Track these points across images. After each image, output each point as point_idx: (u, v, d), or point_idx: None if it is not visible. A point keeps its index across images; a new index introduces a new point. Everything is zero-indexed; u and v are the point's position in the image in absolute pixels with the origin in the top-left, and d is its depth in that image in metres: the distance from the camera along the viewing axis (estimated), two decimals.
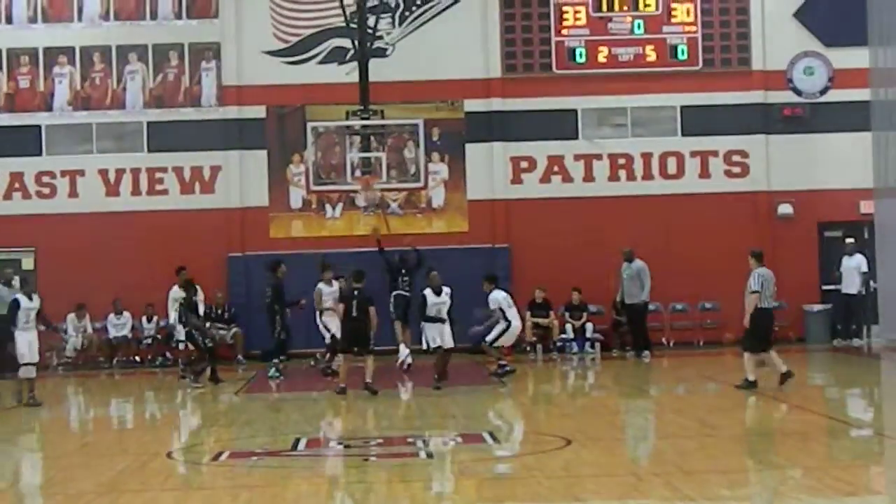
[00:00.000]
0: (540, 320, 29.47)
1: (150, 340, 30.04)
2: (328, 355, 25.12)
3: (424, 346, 22.86)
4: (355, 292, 22.42)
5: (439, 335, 22.32)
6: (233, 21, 31.06)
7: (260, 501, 12.64)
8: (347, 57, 30.55)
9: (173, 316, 26.13)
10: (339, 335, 23.60)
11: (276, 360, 25.12)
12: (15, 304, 21.83)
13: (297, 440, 16.46)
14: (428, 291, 22.63)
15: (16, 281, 28.15)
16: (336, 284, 25.17)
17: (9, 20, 31.03)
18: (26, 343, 21.62)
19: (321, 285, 25.36)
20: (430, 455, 14.94)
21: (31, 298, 22.01)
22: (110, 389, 24.94)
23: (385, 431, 16.86)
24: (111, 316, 29.63)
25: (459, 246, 30.18)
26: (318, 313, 25.38)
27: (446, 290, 22.64)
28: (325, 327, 25.16)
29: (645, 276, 28.09)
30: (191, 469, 14.74)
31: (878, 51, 28.40)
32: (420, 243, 29.56)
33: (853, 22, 29.34)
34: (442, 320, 22.47)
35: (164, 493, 13.24)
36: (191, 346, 24.84)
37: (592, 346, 30.01)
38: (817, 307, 30.70)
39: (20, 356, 21.53)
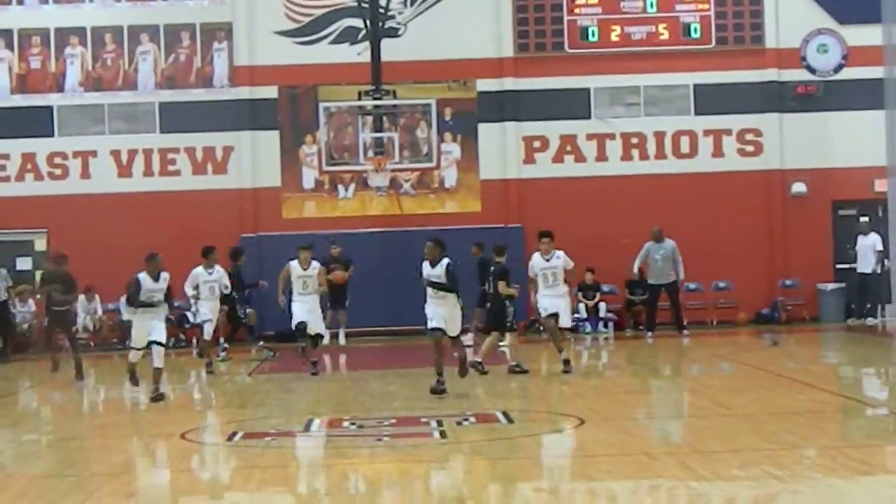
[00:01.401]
0: None
1: None
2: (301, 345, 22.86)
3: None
4: (492, 267, 21.70)
5: (434, 315, 18.61)
6: (244, 1, 31.05)
7: (273, 482, 12.67)
8: (359, 37, 30.55)
9: (192, 295, 24.05)
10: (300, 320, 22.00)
11: (261, 343, 25.44)
12: (135, 284, 19.14)
13: (310, 420, 16.49)
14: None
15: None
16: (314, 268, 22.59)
17: (20, 1, 31.04)
18: (143, 328, 19.25)
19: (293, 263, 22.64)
20: (443, 435, 14.95)
21: (156, 279, 19.17)
22: (123, 371, 24.91)
23: (398, 412, 16.87)
24: (123, 297, 29.59)
25: (472, 226, 30.20)
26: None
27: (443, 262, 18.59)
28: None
29: (678, 254, 27.90)
30: (205, 450, 14.77)
31: (893, 28, 28.33)
32: (433, 223, 29.66)
33: None
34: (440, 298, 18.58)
35: (178, 474, 13.28)
36: (206, 329, 23.80)
37: (606, 326, 30.05)
38: (831, 286, 30.71)
39: (134, 340, 19.54)
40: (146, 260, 19.12)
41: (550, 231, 21.42)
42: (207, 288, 23.68)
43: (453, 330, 18.59)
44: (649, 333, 28.06)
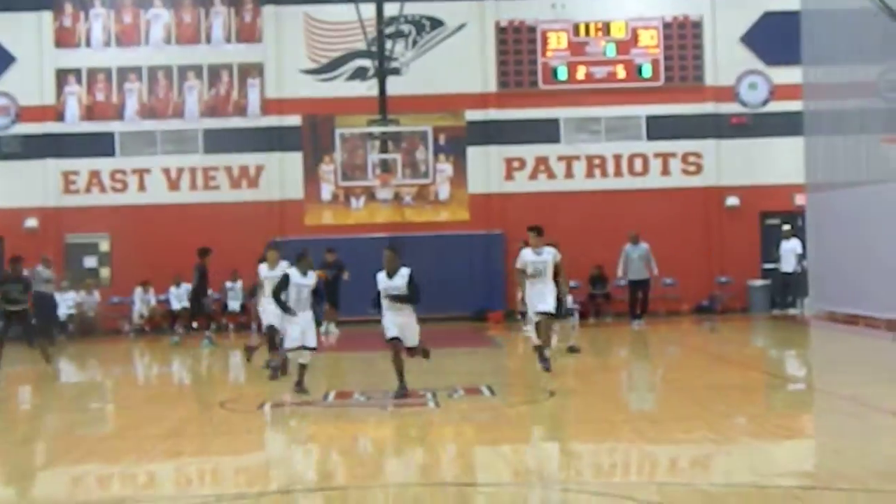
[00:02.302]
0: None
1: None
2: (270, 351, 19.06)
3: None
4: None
5: (390, 325, 15.72)
6: (274, 45, 31.05)
7: (296, 443, 12.69)
8: (369, 75, 30.55)
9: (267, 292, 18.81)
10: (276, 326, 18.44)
11: (207, 333, 25.03)
12: (284, 279, 16.55)
13: (327, 393, 16.49)
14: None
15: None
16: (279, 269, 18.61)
17: (88, 44, 31.04)
18: (298, 328, 16.38)
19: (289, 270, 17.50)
20: (437, 405, 14.97)
21: (305, 274, 16.54)
22: (171, 351, 24.95)
23: None
24: (172, 289, 29.60)
25: (461, 232, 30.24)
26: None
27: (403, 271, 15.67)
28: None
29: (650, 255, 27.63)
30: (239, 416, 14.79)
31: (810, 69, 28.33)
32: (428, 230, 29.72)
33: (790, 45, 29.23)
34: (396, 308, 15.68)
35: (218, 438, 13.30)
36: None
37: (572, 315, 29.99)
38: (759, 282, 30.74)
39: (290, 339, 16.52)
40: (298, 258, 16.78)
41: (539, 226, 17.87)
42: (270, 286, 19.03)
43: (411, 340, 15.81)
44: (635, 322, 27.47)
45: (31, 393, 19.07)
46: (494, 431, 13.07)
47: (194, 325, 26.20)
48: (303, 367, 16.44)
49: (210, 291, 26.03)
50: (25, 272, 22.57)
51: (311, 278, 16.64)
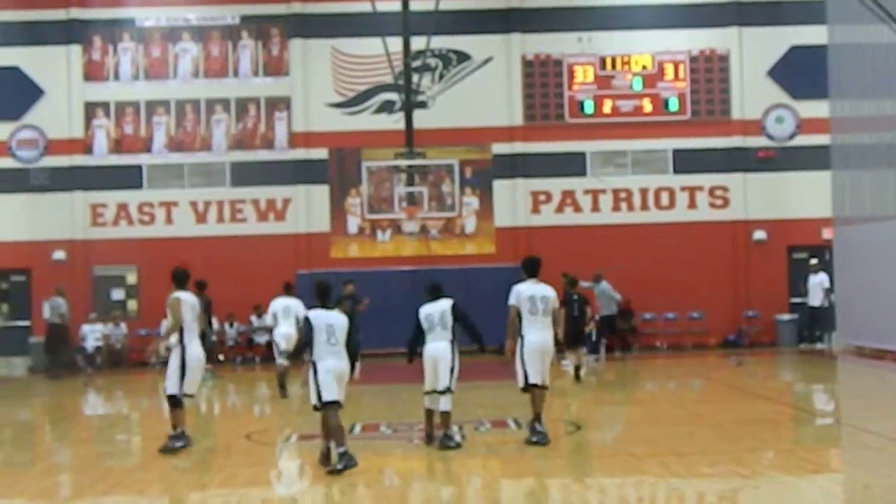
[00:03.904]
0: None
1: (232, 343, 30.22)
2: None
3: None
4: (575, 296, 22.73)
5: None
6: (301, 78, 31.23)
7: (322, 475, 12.70)
8: (395, 108, 30.68)
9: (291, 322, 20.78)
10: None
11: (208, 367, 24.75)
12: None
13: (353, 425, 16.51)
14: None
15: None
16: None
17: (116, 77, 31.29)
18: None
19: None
20: (463, 437, 14.96)
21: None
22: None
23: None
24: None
25: (488, 265, 30.23)
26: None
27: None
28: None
29: (610, 292, 27.73)
30: (265, 448, 14.82)
31: (837, 103, 28.33)
32: (454, 263, 29.77)
33: (817, 79, 29.28)
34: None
35: (245, 469, 13.32)
36: None
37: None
38: (786, 316, 30.61)
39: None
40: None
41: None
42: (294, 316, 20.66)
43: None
44: (618, 353, 28.18)
45: (59, 424, 19.16)
46: (520, 465, 13.06)
47: (220, 357, 26.39)
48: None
49: (214, 324, 26.37)
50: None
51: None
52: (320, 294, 13.18)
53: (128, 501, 11.63)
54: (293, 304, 21.16)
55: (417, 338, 14.32)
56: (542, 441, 13.96)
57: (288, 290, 22.01)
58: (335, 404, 12.71)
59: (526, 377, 14.17)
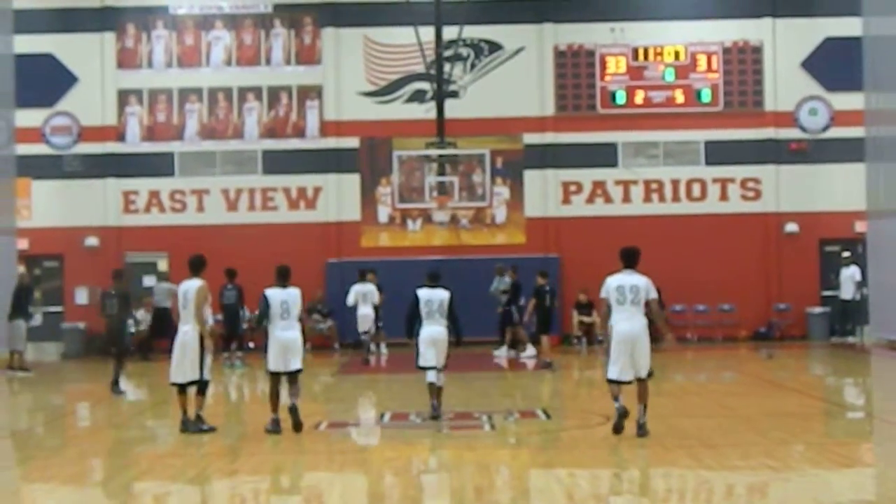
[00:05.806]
0: (584, 318, 29.46)
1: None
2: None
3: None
4: (547, 287, 23.75)
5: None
6: (333, 67, 31.27)
7: (352, 464, 12.75)
8: (427, 98, 30.68)
9: (368, 305, 25.26)
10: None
11: (239, 354, 25.87)
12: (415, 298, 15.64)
13: (383, 414, 16.55)
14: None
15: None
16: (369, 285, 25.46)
17: (150, 65, 31.41)
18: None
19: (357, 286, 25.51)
20: (492, 427, 14.98)
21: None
22: (229, 369, 25.08)
23: (455, 408, 16.91)
24: None
25: (518, 255, 30.17)
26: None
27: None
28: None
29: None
30: (295, 436, 14.86)
31: (872, 95, 28.15)
32: (484, 253, 29.78)
33: (851, 71, 29.11)
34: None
35: (275, 456, 13.38)
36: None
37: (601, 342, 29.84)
38: (818, 310, 30.47)
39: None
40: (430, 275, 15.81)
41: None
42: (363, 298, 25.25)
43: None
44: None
45: (91, 410, 19.28)
46: (549, 455, 13.06)
47: (251, 345, 26.55)
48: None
49: (246, 312, 26.52)
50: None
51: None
52: (280, 275, 15.37)
53: (158, 487, 11.69)
54: (370, 290, 25.20)
55: (415, 316, 15.65)
56: (639, 433, 13.70)
57: (363, 276, 25.64)
58: (276, 375, 15.02)
59: (608, 372, 14.09)
